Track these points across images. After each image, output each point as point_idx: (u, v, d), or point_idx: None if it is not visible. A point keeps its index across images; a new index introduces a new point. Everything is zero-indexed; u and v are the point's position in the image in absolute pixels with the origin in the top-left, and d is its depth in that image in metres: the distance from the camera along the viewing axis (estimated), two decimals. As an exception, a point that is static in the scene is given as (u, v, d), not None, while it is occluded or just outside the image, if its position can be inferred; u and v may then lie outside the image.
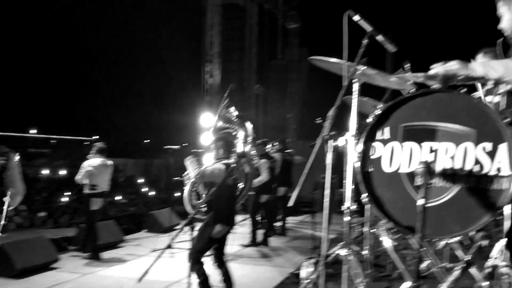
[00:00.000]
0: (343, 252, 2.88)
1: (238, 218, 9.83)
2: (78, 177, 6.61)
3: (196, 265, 4.22)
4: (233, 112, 4.74)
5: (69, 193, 12.34)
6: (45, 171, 22.51)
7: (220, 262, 4.34)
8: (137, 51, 32.85)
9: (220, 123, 4.75)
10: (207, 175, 4.27)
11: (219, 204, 4.25)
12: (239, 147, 4.59)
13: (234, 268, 6.29)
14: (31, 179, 21.56)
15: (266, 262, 6.77)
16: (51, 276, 5.74)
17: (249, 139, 4.71)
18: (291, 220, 10.53)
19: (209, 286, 4.24)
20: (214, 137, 4.65)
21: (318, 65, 3.25)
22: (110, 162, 6.95)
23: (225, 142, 4.57)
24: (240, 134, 4.64)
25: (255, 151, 7.99)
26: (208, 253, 4.33)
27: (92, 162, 6.67)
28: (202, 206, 4.24)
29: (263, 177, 7.55)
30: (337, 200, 4.39)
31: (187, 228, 3.80)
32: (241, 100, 17.11)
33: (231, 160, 4.41)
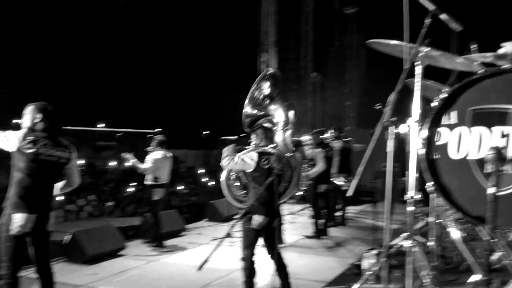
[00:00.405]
0: (407, 243, 2.76)
1: (297, 207, 9.87)
2: (144, 166, 6.79)
3: (245, 256, 4.11)
4: (266, 99, 4.57)
5: (135, 184, 12.86)
6: (113, 163, 23.66)
7: (272, 252, 4.22)
8: (195, 45, 33.49)
9: (255, 111, 4.61)
10: (237, 163, 4.16)
11: (257, 194, 4.16)
12: (278, 135, 4.44)
13: (294, 258, 6.29)
14: (99, 171, 22.75)
15: (326, 252, 6.69)
16: (118, 263, 6.02)
17: (289, 126, 4.53)
18: (351, 210, 10.34)
19: (252, 277, 4.14)
20: (251, 126, 4.53)
21: (377, 48, 3.12)
22: (169, 154, 7.15)
23: (263, 130, 4.37)
24: (279, 121, 4.48)
25: (311, 140, 7.90)
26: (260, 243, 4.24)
27: (155, 155, 6.88)
28: (241, 194, 4.22)
29: (319, 166, 7.43)
30: (399, 189, 4.21)
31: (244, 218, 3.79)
32: (297, 89, 16.98)
33: (268, 149, 4.26)
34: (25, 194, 3.41)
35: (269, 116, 4.57)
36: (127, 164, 7.18)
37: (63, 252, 6.02)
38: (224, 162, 4.18)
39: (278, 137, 4.46)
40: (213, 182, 16.33)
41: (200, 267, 2.80)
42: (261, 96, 4.66)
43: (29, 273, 4.06)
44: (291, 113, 4.57)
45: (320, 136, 7.93)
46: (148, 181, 6.84)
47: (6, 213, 3.42)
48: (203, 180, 18.05)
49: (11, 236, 3.35)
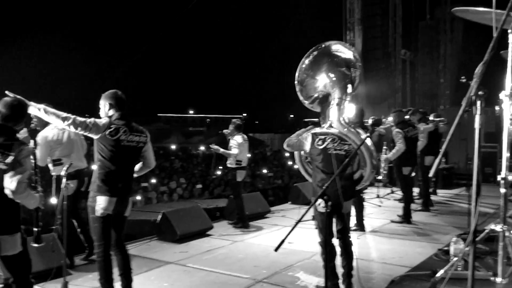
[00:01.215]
0: (498, 228, 2.53)
1: (384, 191, 9.52)
2: (233, 152, 7.03)
3: (321, 241, 4.02)
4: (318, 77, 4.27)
5: (221, 167, 13.27)
6: (202, 147, 24.72)
7: (340, 236, 4.08)
8: (278, 26, 33.41)
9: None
10: (291, 144, 4.12)
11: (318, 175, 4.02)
12: (332, 113, 4.15)
13: (381, 242, 6.12)
14: (190, 155, 23.88)
15: (414, 236, 6.40)
16: (206, 242, 6.28)
17: (346, 102, 4.21)
18: (445, 194, 9.75)
19: (330, 262, 4.02)
20: (316, 106, 4.35)
21: (465, 17, 2.86)
22: (245, 137, 7.37)
23: (322, 109, 4.20)
24: (335, 97, 4.18)
25: (392, 119, 7.53)
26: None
27: (237, 139, 7.10)
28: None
29: (398, 148, 7.04)
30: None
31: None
32: (385, 68, 16.24)
33: (325, 128, 4.07)
34: (107, 178, 3.59)
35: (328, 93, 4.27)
36: (215, 151, 7.47)
37: (156, 231, 6.42)
38: (284, 143, 4.18)
39: (333, 114, 4.17)
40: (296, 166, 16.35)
41: (277, 248, 2.78)
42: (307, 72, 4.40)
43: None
44: (349, 88, 4.22)
45: (401, 116, 7.49)
46: (231, 164, 7.09)
47: (90, 196, 3.67)
48: (289, 163, 18.13)
49: (96, 217, 3.60)
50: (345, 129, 4.07)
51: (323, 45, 4.35)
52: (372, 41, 16.09)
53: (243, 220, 7.12)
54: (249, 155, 7.66)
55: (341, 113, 4.14)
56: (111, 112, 3.76)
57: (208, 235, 6.63)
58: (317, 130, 4.09)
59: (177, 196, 11.39)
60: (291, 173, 15.52)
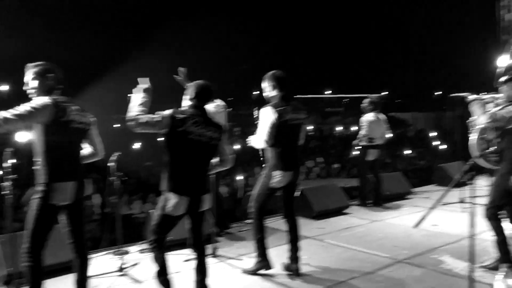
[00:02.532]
0: None
1: None
2: (362, 132, 6.96)
3: (492, 221, 3.82)
4: None
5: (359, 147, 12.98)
6: (339, 128, 24.52)
7: None
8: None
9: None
10: (498, 118, 3.73)
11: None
12: None
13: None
14: (326, 136, 23.85)
15: None
16: (343, 220, 6.30)
17: None
18: None
19: (506, 245, 3.76)
20: (504, 78, 3.94)
21: None
22: (382, 116, 7.16)
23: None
24: None
25: None
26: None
27: (368, 117, 6.95)
28: (492, 155, 3.75)
29: None
30: None
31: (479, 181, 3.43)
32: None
33: None
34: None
35: None
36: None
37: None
38: (481, 119, 3.87)
39: None
40: (445, 146, 15.20)
41: (417, 225, 2.67)
42: None
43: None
44: None
45: None
46: (363, 142, 6.97)
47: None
48: (434, 143, 16.97)
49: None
50: None
51: None
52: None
53: (364, 199, 7.11)
54: (389, 135, 7.40)
55: None
56: (276, 92, 4.01)
57: (345, 214, 6.63)
58: None
59: (315, 175, 11.54)
60: (436, 154, 14.53)
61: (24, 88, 3.22)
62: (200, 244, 3.46)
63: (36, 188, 3.05)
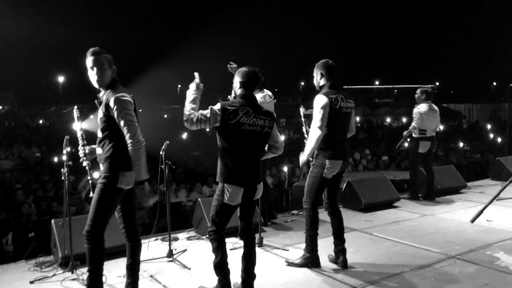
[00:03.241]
0: None
1: None
2: (414, 124, 6.77)
3: None
4: None
5: (409, 140, 12.63)
6: (388, 119, 23.97)
7: None
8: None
9: None
10: None
11: None
12: None
13: None
14: (375, 127, 23.31)
15: None
16: (392, 213, 6.14)
17: None
18: None
19: None
20: None
21: None
22: (435, 107, 6.92)
23: None
24: None
25: None
26: None
27: (421, 108, 6.74)
28: None
29: None
30: None
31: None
32: None
33: None
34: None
35: None
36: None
37: (341, 198, 6.52)
38: None
39: None
40: (500, 139, 14.47)
41: (473, 220, 2.55)
42: None
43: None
44: None
45: None
46: (415, 134, 6.77)
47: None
48: (490, 136, 16.21)
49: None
50: None
51: None
52: None
53: (414, 192, 6.90)
54: (441, 127, 7.15)
55: None
56: (325, 80, 4.01)
57: (395, 207, 6.46)
58: None
59: (362, 167, 11.30)
60: (491, 147, 13.86)
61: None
62: (250, 233, 3.47)
63: (102, 173, 3.15)
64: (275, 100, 5.43)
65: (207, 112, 3.19)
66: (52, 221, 4.43)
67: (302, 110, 4.80)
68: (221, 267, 3.33)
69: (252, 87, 3.37)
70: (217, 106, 3.20)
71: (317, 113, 3.92)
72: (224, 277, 3.34)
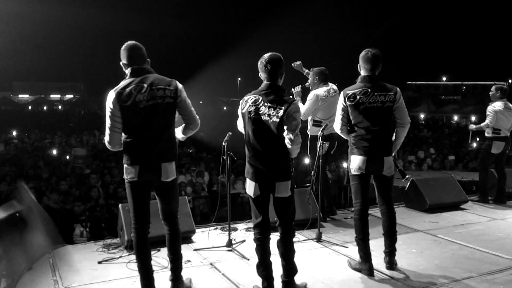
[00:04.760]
0: None
1: None
2: (485, 123, 6.40)
3: None
4: None
5: (479, 139, 12.00)
6: (455, 117, 22.83)
7: None
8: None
9: None
10: None
11: None
12: None
13: None
14: (441, 125, 22.31)
15: None
16: (459, 216, 5.84)
17: None
18: None
19: None
20: None
21: None
22: (510, 105, 6.47)
23: None
24: None
25: None
26: None
27: (495, 106, 6.33)
28: None
29: None
30: None
31: None
32: None
33: None
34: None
35: None
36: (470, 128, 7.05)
37: (404, 197, 6.31)
38: None
39: None
40: None
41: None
42: None
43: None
44: None
45: None
46: (488, 133, 6.40)
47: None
48: None
49: (352, 175, 3.58)
50: None
51: None
52: None
53: (484, 195, 6.53)
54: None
55: None
56: (362, 73, 3.84)
57: (462, 209, 6.14)
58: None
59: (426, 166, 10.85)
60: None
61: None
62: (284, 227, 3.35)
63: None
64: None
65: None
66: (120, 205, 4.62)
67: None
68: (260, 268, 3.32)
69: (275, 75, 3.23)
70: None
71: (337, 111, 3.89)
72: (264, 279, 3.29)
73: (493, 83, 7.63)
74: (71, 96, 55.31)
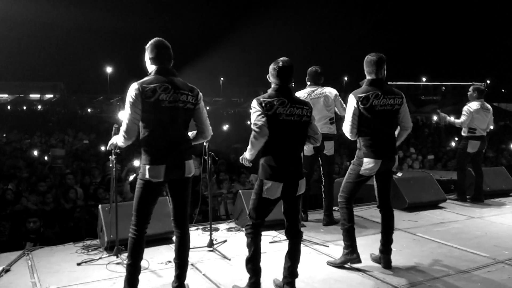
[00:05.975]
0: None
1: None
2: (460, 120, 6.52)
3: None
4: None
5: (457, 138, 12.23)
6: (435, 117, 23.19)
7: None
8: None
9: None
10: None
11: None
12: None
13: None
14: (421, 125, 22.59)
15: None
16: (437, 214, 5.94)
17: None
18: None
19: None
20: None
21: None
22: (488, 105, 6.63)
23: None
24: None
25: None
26: None
27: (471, 105, 6.46)
28: None
29: None
30: None
31: None
32: None
33: None
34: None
35: None
36: (442, 123, 7.16)
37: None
38: None
39: None
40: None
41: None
42: None
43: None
44: None
45: None
46: (464, 132, 6.53)
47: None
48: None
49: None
50: None
51: None
52: None
53: (462, 194, 6.66)
54: (492, 126, 6.84)
55: None
56: (369, 76, 3.88)
57: (441, 208, 6.25)
58: None
59: (407, 166, 11.01)
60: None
61: None
62: (295, 232, 3.41)
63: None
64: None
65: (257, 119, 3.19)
66: (99, 206, 4.57)
67: None
68: (252, 263, 3.31)
69: (286, 79, 3.30)
70: (254, 102, 3.24)
71: (347, 114, 3.89)
72: (253, 275, 3.30)
73: (471, 83, 7.80)
74: (51, 95, 54.50)
